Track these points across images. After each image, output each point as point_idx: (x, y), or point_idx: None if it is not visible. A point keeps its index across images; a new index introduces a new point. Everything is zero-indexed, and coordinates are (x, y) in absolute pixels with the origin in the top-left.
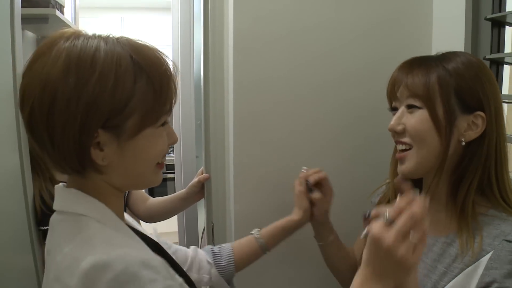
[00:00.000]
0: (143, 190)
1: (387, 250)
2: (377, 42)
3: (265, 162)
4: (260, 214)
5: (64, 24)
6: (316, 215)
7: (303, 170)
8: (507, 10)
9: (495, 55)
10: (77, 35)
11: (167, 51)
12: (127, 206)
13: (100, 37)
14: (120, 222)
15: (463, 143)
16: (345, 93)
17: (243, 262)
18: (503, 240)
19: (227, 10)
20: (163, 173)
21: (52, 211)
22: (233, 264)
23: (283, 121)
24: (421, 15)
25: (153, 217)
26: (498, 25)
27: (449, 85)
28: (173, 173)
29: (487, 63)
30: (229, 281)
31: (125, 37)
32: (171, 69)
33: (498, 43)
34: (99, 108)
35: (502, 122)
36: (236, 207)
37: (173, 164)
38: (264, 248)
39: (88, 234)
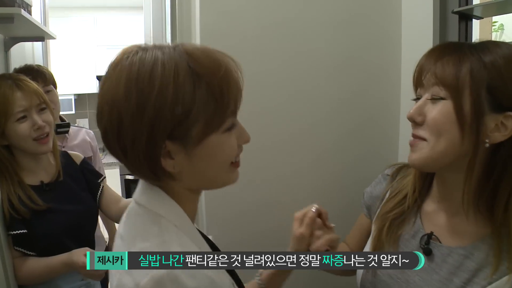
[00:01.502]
0: (116, 191)
1: None
2: (346, 37)
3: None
4: (230, 212)
5: (31, 24)
6: None
7: (313, 210)
8: (473, 3)
9: None
10: (137, 50)
11: None
12: (99, 207)
13: (157, 48)
14: (194, 229)
15: (487, 145)
16: (315, 89)
17: None
18: None
19: (194, 6)
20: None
21: (21, 215)
22: None
23: (252, 118)
24: (390, 9)
25: None
26: (465, 18)
27: (482, 78)
28: None
29: None
30: None
31: (182, 44)
32: (232, 71)
33: (465, 35)
34: (162, 121)
35: None
36: (207, 204)
37: None
38: None
39: (166, 239)
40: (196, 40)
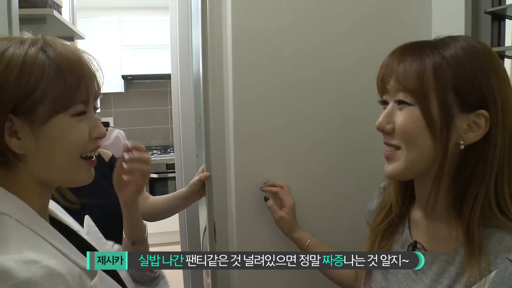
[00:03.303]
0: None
1: None
2: (375, 37)
3: (265, 159)
4: (261, 212)
5: (62, 24)
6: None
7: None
8: (507, 3)
9: (495, 49)
10: None
11: (166, 50)
12: None
13: (15, 38)
14: (42, 222)
15: (462, 147)
16: (345, 89)
17: None
18: (507, 258)
19: (225, 5)
20: (164, 172)
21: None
22: None
23: (284, 117)
24: (420, 9)
25: (153, 216)
26: (498, 18)
27: (446, 78)
28: (175, 172)
29: None
30: None
31: (41, 35)
32: (87, 62)
33: (498, 36)
34: (6, 92)
35: (509, 122)
36: (237, 205)
37: (174, 163)
38: None
39: (3, 235)
40: (228, 39)
